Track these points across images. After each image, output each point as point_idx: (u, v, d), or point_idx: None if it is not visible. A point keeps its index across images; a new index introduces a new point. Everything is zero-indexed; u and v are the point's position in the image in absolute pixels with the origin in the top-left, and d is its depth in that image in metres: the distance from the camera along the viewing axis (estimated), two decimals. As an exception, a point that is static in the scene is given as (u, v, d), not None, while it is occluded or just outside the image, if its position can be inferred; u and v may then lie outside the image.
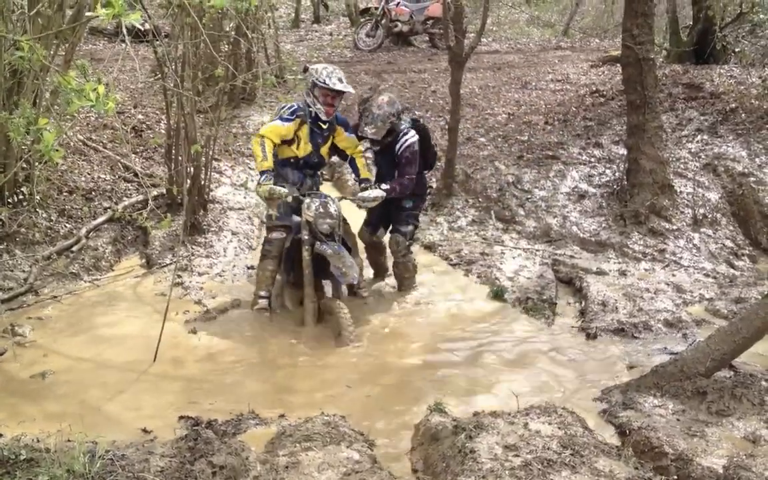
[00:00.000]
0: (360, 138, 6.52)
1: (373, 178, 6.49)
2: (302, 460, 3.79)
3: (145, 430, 4.40)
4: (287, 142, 6.25)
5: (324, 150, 6.42)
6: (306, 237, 6.00)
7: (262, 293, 6.20)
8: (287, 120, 6.19)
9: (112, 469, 3.65)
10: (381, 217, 6.78)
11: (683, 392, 4.74)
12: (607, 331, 6.03)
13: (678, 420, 4.44)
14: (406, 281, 6.75)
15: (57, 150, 3.50)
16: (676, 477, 3.74)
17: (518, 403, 4.43)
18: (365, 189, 6.34)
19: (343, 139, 6.47)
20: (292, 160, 6.31)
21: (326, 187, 6.58)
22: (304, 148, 6.29)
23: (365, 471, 3.71)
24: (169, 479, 3.62)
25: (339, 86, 6.11)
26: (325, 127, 6.28)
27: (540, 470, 3.52)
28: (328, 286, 6.26)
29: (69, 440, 4.02)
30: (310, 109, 6.20)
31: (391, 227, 6.75)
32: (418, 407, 4.77)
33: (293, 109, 6.24)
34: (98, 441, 4.01)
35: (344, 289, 6.26)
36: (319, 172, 6.58)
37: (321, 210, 5.95)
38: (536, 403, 4.47)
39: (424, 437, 4.27)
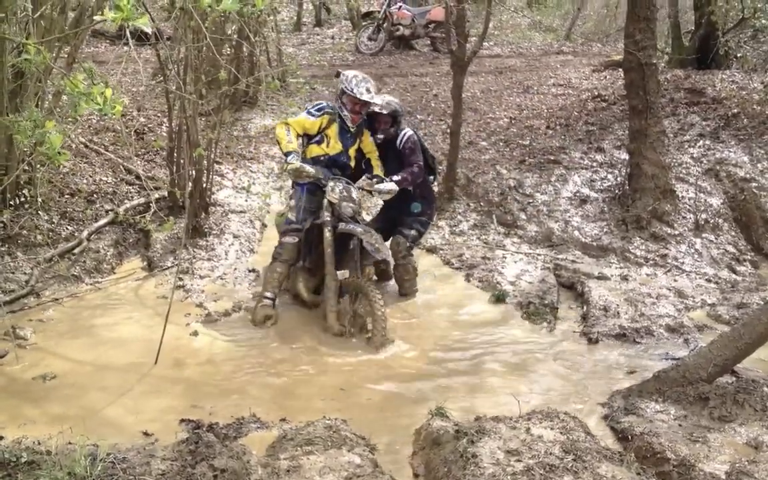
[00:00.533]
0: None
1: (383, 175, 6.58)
2: (303, 464, 3.78)
3: (146, 434, 4.39)
4: (317, 142, 6.46)
5: (352, 151, 6.61)
6: (328, 218, 6.10)
7: (268, 294, 6.21)
8: (313, 115, 6.43)
9: (113, 472, 3.64)
10: (387, 223, 6.84)
11: (685, 398, 4.74)
12: (608, 336, 6.02)
13: (680, 425, 4.43)
14: (406, 284, 6.73)
15: (62, 153, 3.50)
16: (678, 483, 3.72)
17: (520, 408, 4.42)
18: (379, 182, 6.46)
19: (368, 143, 6.68)
20: (321, 158, 6.47)
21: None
22: (334, 147, 6.48)
23: (366, 475, 3.70)
24: (170, 483, 3.61)
25: (365, 96, 6.30)
26: (353, 129, 6.48)
27: (542, 475, 3.51)
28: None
29: (70, 443, 4.01)
30: (340, 112, 6.41)
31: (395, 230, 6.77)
32: (419, 412, 4.76)
33: (321, 106, 6.52)
34: (99, 444, 3.99)
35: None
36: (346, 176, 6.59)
37: (345, 193, 6.13)
38: (538, 408, 4.46)
39: (426, 442, 4.26)
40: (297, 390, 5.13)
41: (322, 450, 3.94)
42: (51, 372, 5.12)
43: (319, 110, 6.42)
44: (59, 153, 3.40)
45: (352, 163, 6.64)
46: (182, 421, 4.52)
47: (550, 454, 3.73)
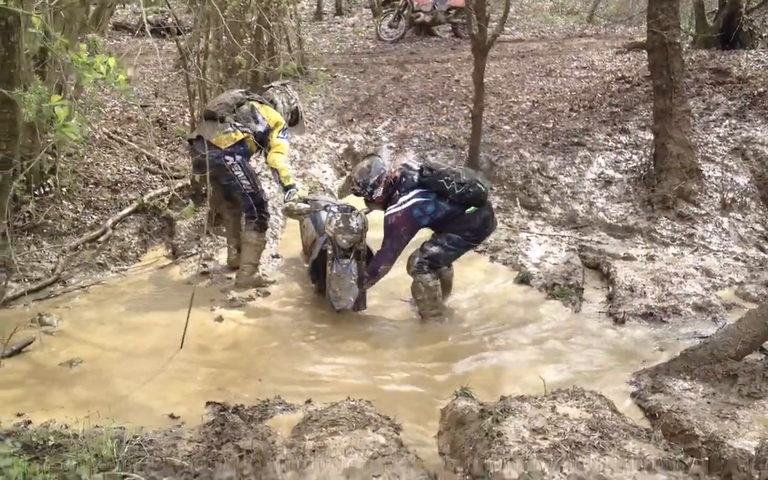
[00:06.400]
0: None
1: None
2: (329, 445, 3.77)
3: (172, 416, 4.42)
4: None
5: None
6: (330, 251, 6.02)
7: None
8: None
9: (140, 453, 3.65)
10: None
11: (713, 375, 4.68)
12: (635, 316, 5.97)
13: (708, 403, 4.37)
14: (418, 304, 6.04)
15: (68, 126, 3.44)
16: (707, 459, 3.67)
17: (545, 387, 4.38)
18: None
19: None
20: None
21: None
22: None
23: (391, 454, 3.68)
24: (196, 463, 3.61)
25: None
26: None
27: (568, 453, 3.47)
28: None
29: (97, 427, 4.03)
30: None
31: None
32: (444, 392, 4.75)
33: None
34: (126, 427, 4.03)
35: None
36: None
37: (341, 225, 5.93)
38: (564, 388, 4.42)
39: (451, 421, 4.24)
40: (321, 372, 5.13)
41: (347, 430, 3.92)
42: (77, 358, 5.15)
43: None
44: (65, 125, 3.36)
45: None
46: (208, 403, 4.54)
47: (576, 431, 3.69)
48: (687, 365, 4.85)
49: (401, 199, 5.84)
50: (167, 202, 7.52)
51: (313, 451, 3.74)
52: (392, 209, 5.86)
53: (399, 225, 5.86)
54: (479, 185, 5.89)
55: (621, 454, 3.49)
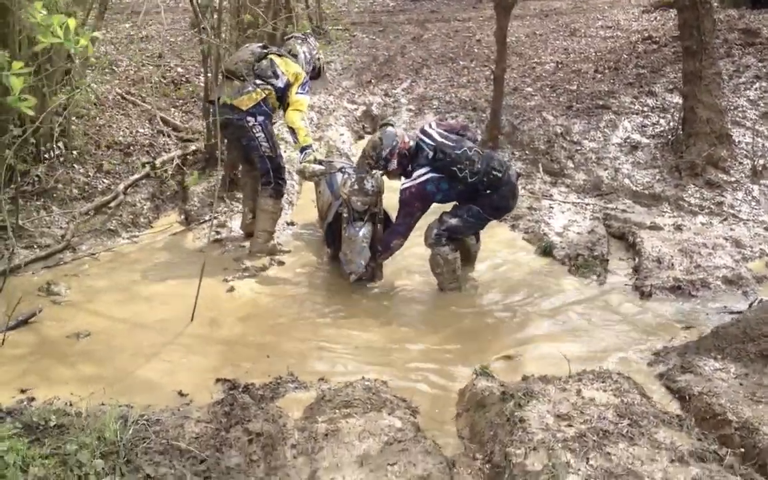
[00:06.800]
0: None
1: None
2: (342, 428, 3.61)
3: (180, 394, 4.26)
4: None
5: None
6: (345, 214, 5.84)
7: None
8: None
9: (145, 435, 3.50)
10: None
11: (746, 355, 4.45)
12: (662, 289, 5.73)
13: (741, 385, 4.15)
14: (436, 277, 5.83)
15: (27, 100, 3.14)
16: (742, 449, 3.46)
17: (570, 368, 4.18)
18: None
19: None
20: None
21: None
22: None
23: (408, 440, 3.51)
24: (203, 446, 3.46)
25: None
26: None
27: (595, 442, 3.28)
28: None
29: (102, 404, 3.89)
30: None
31: None
32: (462, 371, 4.57)
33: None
34: (132, 405, 3.90)
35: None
36: None
37: (356, 187, 5.75)
38: (589, 368, 4.22)
39: (470, 403, 4.06)
40: (336, 348, 4.93)
41: (361, 413, 3.75)
42: (85, 330, 5.00)
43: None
44: (20, 98, 3.04)
45: None
46: (218, 380, 4.38)
47: (604, 418, 3.49)
48: (718, 343, 4.62)
49: (415, 173, 5.62)
50: (170, 170, 7.32)
51: (326, 435, 3.58)
52: (407, 183, 5.64)
53: (412, 200, 5.63)
54: (494, 173, 5.63)
55: (651, 444, 3.30)
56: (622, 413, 3.55)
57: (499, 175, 5.65)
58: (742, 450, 3.44)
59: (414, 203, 5.63)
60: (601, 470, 3.11)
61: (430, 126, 5.87)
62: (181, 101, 9.35)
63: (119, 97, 8.65)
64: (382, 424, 3.64)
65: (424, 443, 3.51)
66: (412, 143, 5.76)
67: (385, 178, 5.86)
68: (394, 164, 5.71)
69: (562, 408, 3.62)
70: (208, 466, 3.33)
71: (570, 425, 3.45)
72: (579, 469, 3.12)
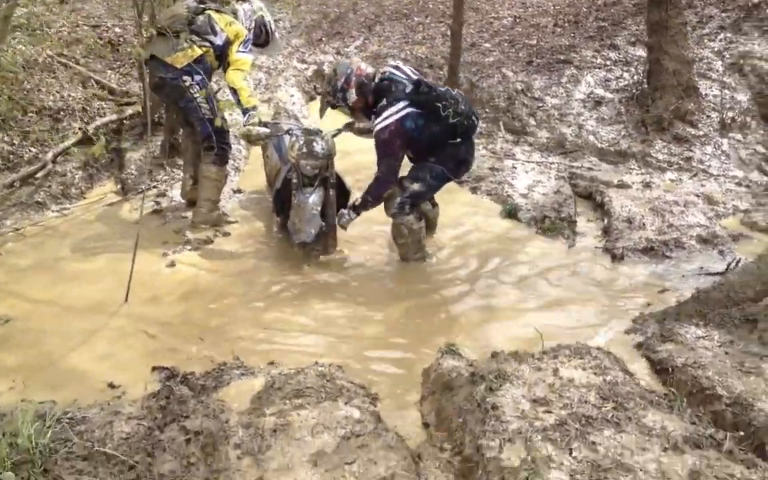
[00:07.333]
0: None
1: None
2: (293, 422, 3.18)
3: (111, 386, 3.77)
4: None
5: None
6: (294, 180, 5.36)
7: None
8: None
9: (67, 436, 3.04)
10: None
11: (730, 320, 4.15)
12: (634, 251, 5.42)
13: (727, 353, 3.81)
14: (399, 248, 5.40)
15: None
16: (741, 433, 3.08)
17: (543, 343, 3.80)
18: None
19: None
20: None
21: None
22: None
23: (368, 433, 3.09)
24: (134, 450, 3.01)
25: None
26: None
27: (578, 430, 2.89)
28: None
29: (23, 400, 3.46)
30: None
31: None
32: (426, 348, 4.17)
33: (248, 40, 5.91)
34: (56, 401, 3.46)
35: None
36: None
37: (304, 150, 5.27)
38: (564, 342, 3.83)
39: (436, 385, 3.66)
40: (287, 327, 4.49)
41: (314, 403, 3.33)
42: (5, 315, 4.47)
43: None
44: None
45: None
46: (154, 369, 3.90)
47: (585, 402, 3.11)
48: (699, 309, 4.30)
49: (390, 110, 5.04)
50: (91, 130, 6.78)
51: (274, 430, 3.15)
52: (382, 122, 5.03)
53: (393, 139, 5.05)
54: (474, 119, 5.19)
55: (640, 430, 2.93)
56: (606, 395, 3.17)
57: (474, 121, 5.21)
58: (741, 433, 3.08)
59: (395, 142, 5.06)
60: (587, 463, 2.73)
61: (399, 64, 5.43)
62: (118, 63, 8.73)
63: (50, 59, 8.00)
64: (338, 415, 3.23)
65: (386, 437, 3.10)
66: (370, 70, 5.28)
67: (336, 139, 5.40)
68: (353, 94, 5.18)
69: (538, 391, 3.24)
70: (137, 474, 2.89)
71: (548, 411, 3.07)
72: (562, 463, 2.73)
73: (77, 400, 3.50)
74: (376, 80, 5.23)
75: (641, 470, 2.69)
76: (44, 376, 3.85)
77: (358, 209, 5.32)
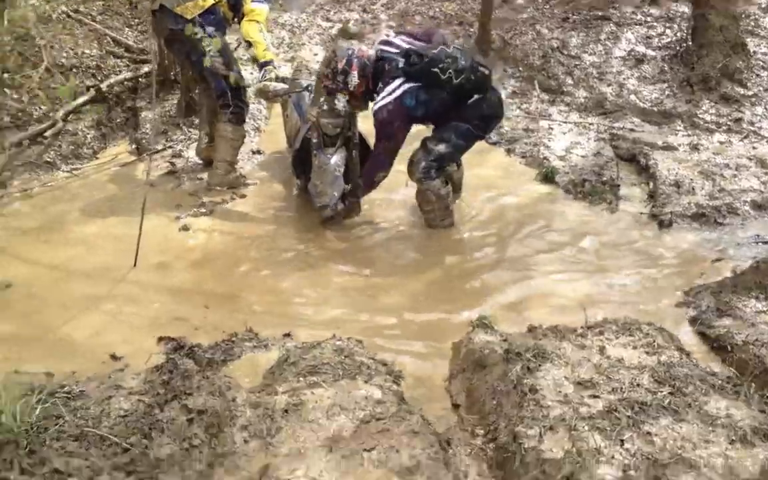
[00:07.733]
0: None
1: None
2: (306, 401, 2.85)
3: (113, 357, 3.49)
4: None
5: None
6: (314, 139, 5.01)
7: None
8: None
9: (58, 412, 2.73)
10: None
11: (793, 294, 3.76)
12: (684, 217, 5.07)
13: (791, 331, 3.44)
14: (425, 214, 5.06)
15: None
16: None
17: (586, 318, 3.42)
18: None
19: None
20: None
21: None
22: None
23: (389, 416, 2.75)
24: (130, 430, 2.69)
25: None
26: None
27: (630, 419, 2.53)
28: None
29: (16, 372, 3.16)
30: None
31: None
32: (456, 321, 3.85)
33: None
34: (52, 373, 3.20)
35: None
36: None
37: (325, 107, 4.92)
38: (610, 316, 3.47)
39: (466, 362, 3.31)
40: (304, 299, 4.18)
41: (331, 381, 2.99)
42: (6, 280, 4.18)
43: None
44: None
45: None
46: (161, 340, 3.62)
47: (638, 385, 2.74)
48: (759, 280, 3.97)
49: (387, 89, 4.69)
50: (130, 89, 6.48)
51: (286, 411, 2.82)
52: (379, 102, 4.70)
53: (391, 120, 4.71)
54: (481, 69, 4.79)
55: (702, 419, 2.56)
56: (661, 378, 2.80)
57: (486, 72, 4.82)
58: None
59: (394, 123, 4.72)
60: (641, 457, 2.37)
61: (388, 36, 5.02)
62: (136, 20, 8.42)
63: (65, 15, 7.69)
64: (357, 395, 2.89)
65: (410, 420, 2.75)
66: (371, 52, 4.90)
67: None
68: (355, 77, 4.79)
69: (582, 372, 2.87)
70: (132, 458, 2.57)
71: (595, 396, 2.70)
72: (612, 457, 2.38)
73: (76, 372, 3.21)
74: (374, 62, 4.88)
75: (705, 466, 2.34)
76: (42, 346, 3.59)
77: (349, 198, 5.05)
